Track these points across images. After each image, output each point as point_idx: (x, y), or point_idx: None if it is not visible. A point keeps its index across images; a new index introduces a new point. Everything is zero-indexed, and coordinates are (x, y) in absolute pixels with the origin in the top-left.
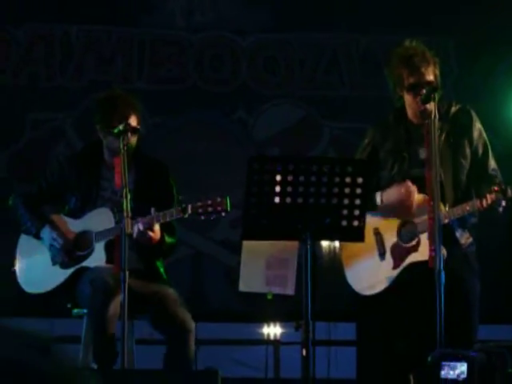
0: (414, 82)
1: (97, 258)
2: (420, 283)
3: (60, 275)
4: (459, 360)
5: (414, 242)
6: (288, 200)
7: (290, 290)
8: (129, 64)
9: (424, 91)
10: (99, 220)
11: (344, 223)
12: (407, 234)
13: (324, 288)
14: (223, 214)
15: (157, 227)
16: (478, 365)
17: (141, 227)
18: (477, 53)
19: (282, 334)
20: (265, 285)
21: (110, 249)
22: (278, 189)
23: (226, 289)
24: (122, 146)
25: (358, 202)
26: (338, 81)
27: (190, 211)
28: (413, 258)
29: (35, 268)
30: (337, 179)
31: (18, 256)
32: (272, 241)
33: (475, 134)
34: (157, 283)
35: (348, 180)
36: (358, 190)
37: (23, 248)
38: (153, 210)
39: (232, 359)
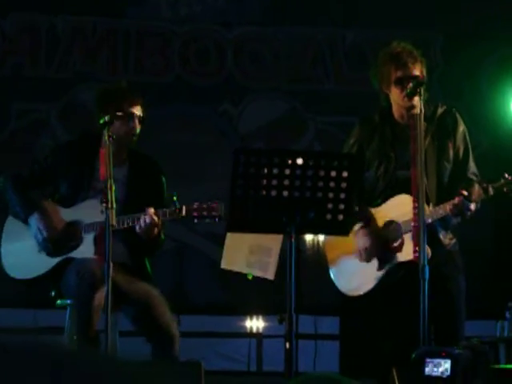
0: (400, 76)
1: (85, 250)
2: (406, 282)
3: (46, 263)
4: (443, 357)
5: (398, 243)
6: (273, 193)
7: (270, 275)
8: (114, 55)
9: (410, 85)
10: (90, 211)
11: (329, 217)
12: (391, 234)
13: (307, 282)
14: (217, 219)
15: (159, 222)
16: (461, 362)
17: (147, 220)
18: (462, 48)
19: (265, 328)
20: (246, 266)
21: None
22: (263, 182)
23: (209, 282)
24: (106, 138)
25: (343, 195)
26: (323, 74)
27: (184, 213)
28: (397, 258)
29: (21, 253)
30: (322, 173)
31: (3, 238)
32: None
33: (458, 137)
34: (144, 282)
35: (333, 174)
36: (343, 184)
37: (10, 230)
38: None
39: (215, 352)
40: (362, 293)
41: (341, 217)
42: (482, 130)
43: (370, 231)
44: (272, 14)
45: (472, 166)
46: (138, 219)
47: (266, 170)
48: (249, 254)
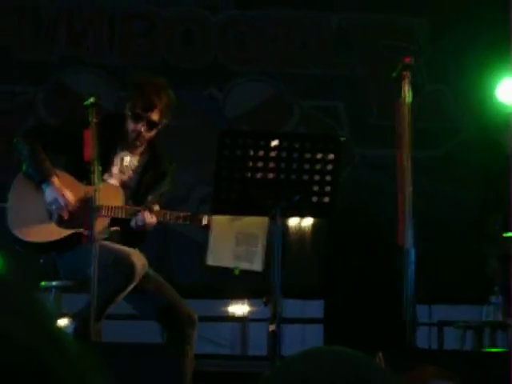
0: None
1: (100, 230)
2: None
3: (57, 232)
4: None
5: None
6: (258, 175)
7: (257, 266)
8: (99, 38)
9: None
10: (107, 194)
11: (314, 199)
12: None
13: (291, 265)
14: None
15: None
16: None
17: (147, 220)
18: (450, 31)
19: (250, 312)
20: (232, 260)
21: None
22: (248, 164)
23: (193, 265)
24: (91, 119)
25: (328, 178)
26: (308, 59)
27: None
28: None
29: (30, 214)
30: (308, 155)
31: (12, 195)
32: (241, 216)
33: None
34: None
35: (319, 156)
36: (329, 167)
37: (20, 189)
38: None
39: (199, 336)
40: None
41: (326, 199)
42: (468, 113)
43: None
44: None
45: None
46: (137, 214)
47: (251, 152)
48: (235, 245)
